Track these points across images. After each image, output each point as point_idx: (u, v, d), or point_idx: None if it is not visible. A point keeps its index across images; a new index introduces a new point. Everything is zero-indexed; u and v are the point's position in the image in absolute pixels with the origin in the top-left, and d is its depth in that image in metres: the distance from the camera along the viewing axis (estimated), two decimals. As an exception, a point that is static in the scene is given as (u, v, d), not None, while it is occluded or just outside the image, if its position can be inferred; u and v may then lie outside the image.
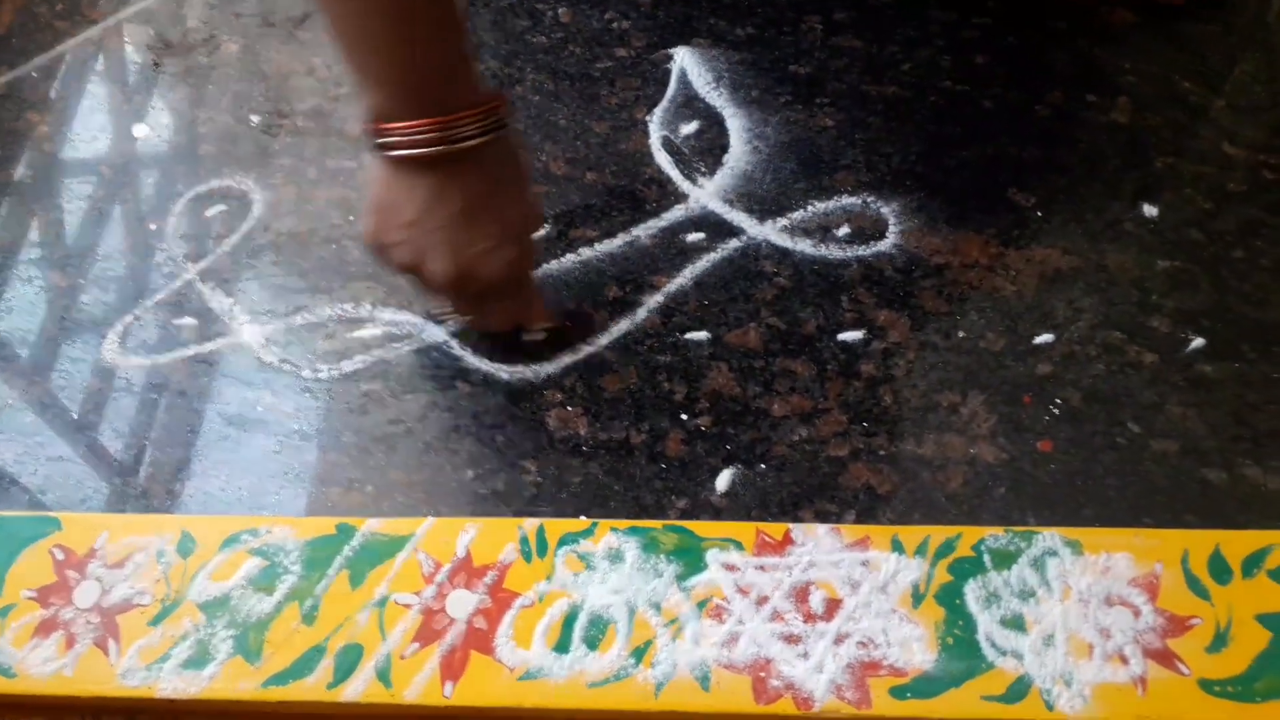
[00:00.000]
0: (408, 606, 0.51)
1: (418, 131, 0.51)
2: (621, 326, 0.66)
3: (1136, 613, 0.49)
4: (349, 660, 0.50)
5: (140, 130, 0.79)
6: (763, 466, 0.60)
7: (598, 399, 0.63)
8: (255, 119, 0.78)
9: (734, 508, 0.58)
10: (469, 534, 0.53)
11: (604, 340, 0.66)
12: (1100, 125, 0.73)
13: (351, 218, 0.72)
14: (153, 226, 0.73)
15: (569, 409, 0.63)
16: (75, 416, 0.65)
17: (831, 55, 0.78)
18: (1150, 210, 0.69)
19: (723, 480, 0.59)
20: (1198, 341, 0.63)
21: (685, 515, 0.58)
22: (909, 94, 0.76)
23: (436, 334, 0.66)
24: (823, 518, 0.57)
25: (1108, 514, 0.57)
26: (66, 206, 0.75)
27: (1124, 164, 0.71)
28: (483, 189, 0.54)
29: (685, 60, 0.79)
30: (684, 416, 0.62)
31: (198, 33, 0.85)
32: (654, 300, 0.67)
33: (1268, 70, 0.76)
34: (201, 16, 0.86)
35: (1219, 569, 0.51)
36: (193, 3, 0.87)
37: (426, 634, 0.51)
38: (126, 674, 0.51)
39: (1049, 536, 0.52)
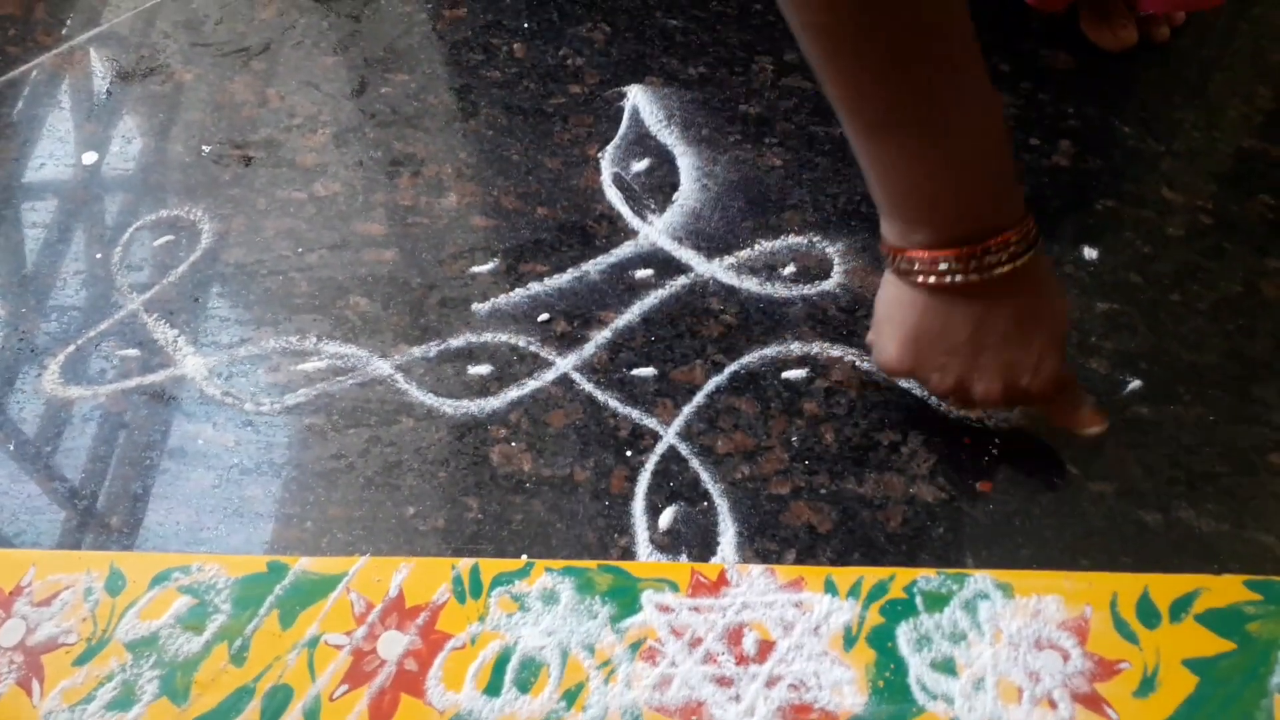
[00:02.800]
0: (338, 647, 0.51)
1: (954, 260, 0.48)
2: (569, 362, 0.66)
3: (1066, 656, 0.50)
4: (277, 702, 0.50)
5: (89, 158, 0.78)
6: (705, 504, 0.60)
7: (543, 435, 0.63)
8: (207, 149, 0.78)
9: (676, 545, 0.58)
10: (402, 573, 0.53)
11: (550, 376, 0.66)
12: (1042, 168, 0.75)
13: (300, 249, 0.72)
14: (99, 255, 0.73)
15: (513, 445, 0.63)
16: (12, 447, 0.64)
17: (781, 96, 0.79)
18: (1090, 253, 0.70)
19: (665, 518, 0.59)
20: (1135, 384, 0.64)
21: (626, 553, 0.58)
22: (857, 135, 0.76)
23: (381, 368, 0.66)
24: (763, 556, 0.57)
25: (1045, 555, 0.57)
26: (10, 234, 0.74)
27: (1065, 206, 0.72)
28: (1023, 309, 0.51)
29: (638, 98, 0.80)
30: (629, 453, 0.62)
31: (151, 60, 0.84)
32: (602, 336, 0.67)
33: (1206, 116, 0.78)
34: (156, 44, 0.85)
35: (1147, 612, 0.51)
36: (147, 30, 0.87)
37: (356, 676, 0.50)
38: (49, 716, 0.50)
39: (981, 579, 0.52)
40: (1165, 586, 0.52)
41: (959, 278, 0.48)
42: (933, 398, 0.63)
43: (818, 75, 0.46)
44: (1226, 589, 0.52)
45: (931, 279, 0.49)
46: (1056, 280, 0.54)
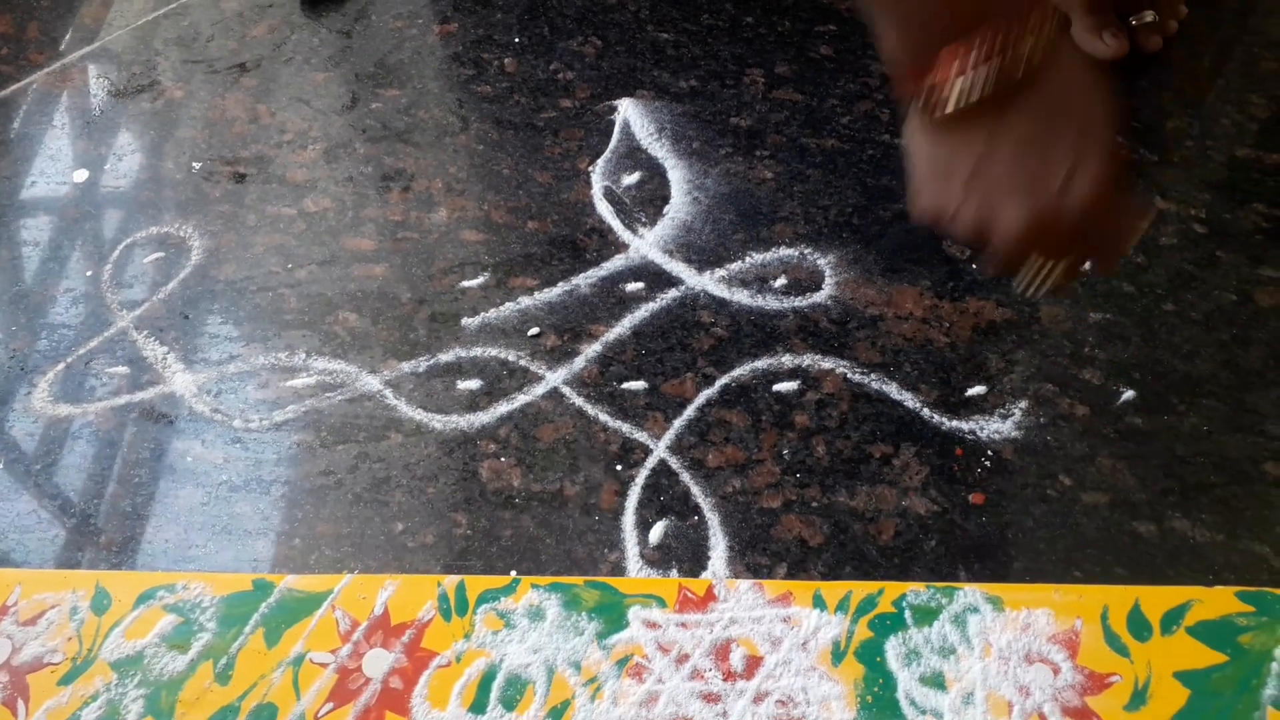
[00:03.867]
0: (323, 665, 0.50)
1: (976, 62, 0.42)
2: (559, 375, 0.66)
3: (1056, 670, 0.49)
4: (262, 720, 0.49)
5: (80, 175, 0.78)
6: (696, 518, 0.60)
7: (532, 450, 0.63)
8: (197, 165, 0.78)
9: (666, 560, 0.58)
10: (388, 590, 0.53)
11: (540, 390, 0.65)
12: (1034, 178, 0.74)
13: (290, 265, 0.72)
14: (89, 273, 0.73)
15: (502, 460, 0.62)
16: (1, 465, 0.63)
17: (772, 108, 0.79)
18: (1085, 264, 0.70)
19: (656, 533, 0.59)
20: (1128, 394, 0.63)
21: (616, 569, 0.57)
22: (847, 147, 0.76)
23: (370, 383, 0.66)
24: (754, 570, 0.57)
25: (1038, 567, 0.57)
26: (3, 252, 0.74)
27: (1057, 217, 0.72)
28: (1047, 103, 0.44)
29: (628, 112, 0.80)
30: (619, 468, 0.62)
31: (142, 78, 0.85)
32: (592, 349, 0.67)
33: (1199, 126, 0.77)
34: (147, 62, 0.86)
35: (1138, 625, 0.50)
36: (140, 48, 0.87)
37: (341, 694, 0.50)
38: (33, 736, 0.49)
39: (970, 592, 0.52)
40: (1157, 598, 0.52)
41: (981, 83, 0.42)
42: (924, 409, 0.62)
43: None
44: (1218, 601, 0.52)
45: (965, 95, 0.43)
46: (1089, 76, 0.45)
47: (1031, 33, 0.42)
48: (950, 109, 0.43)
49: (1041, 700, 0.48)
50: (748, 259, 0.71)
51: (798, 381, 0.65)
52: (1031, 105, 0.44)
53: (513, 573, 0.56)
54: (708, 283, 0.70)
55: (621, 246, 0.72)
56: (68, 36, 0.88)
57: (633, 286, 0.70)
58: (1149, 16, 0.80)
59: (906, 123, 0.48)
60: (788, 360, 0.66)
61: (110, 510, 0.61)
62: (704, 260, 0.71)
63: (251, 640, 0.51)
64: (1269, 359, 0.64)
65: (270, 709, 0.49)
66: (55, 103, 0.84)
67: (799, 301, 0.69)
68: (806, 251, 0.71)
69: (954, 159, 0.45)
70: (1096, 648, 0.50)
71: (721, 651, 0.50)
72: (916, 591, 0.52)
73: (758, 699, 0.49)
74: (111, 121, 0.82)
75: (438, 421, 0.64)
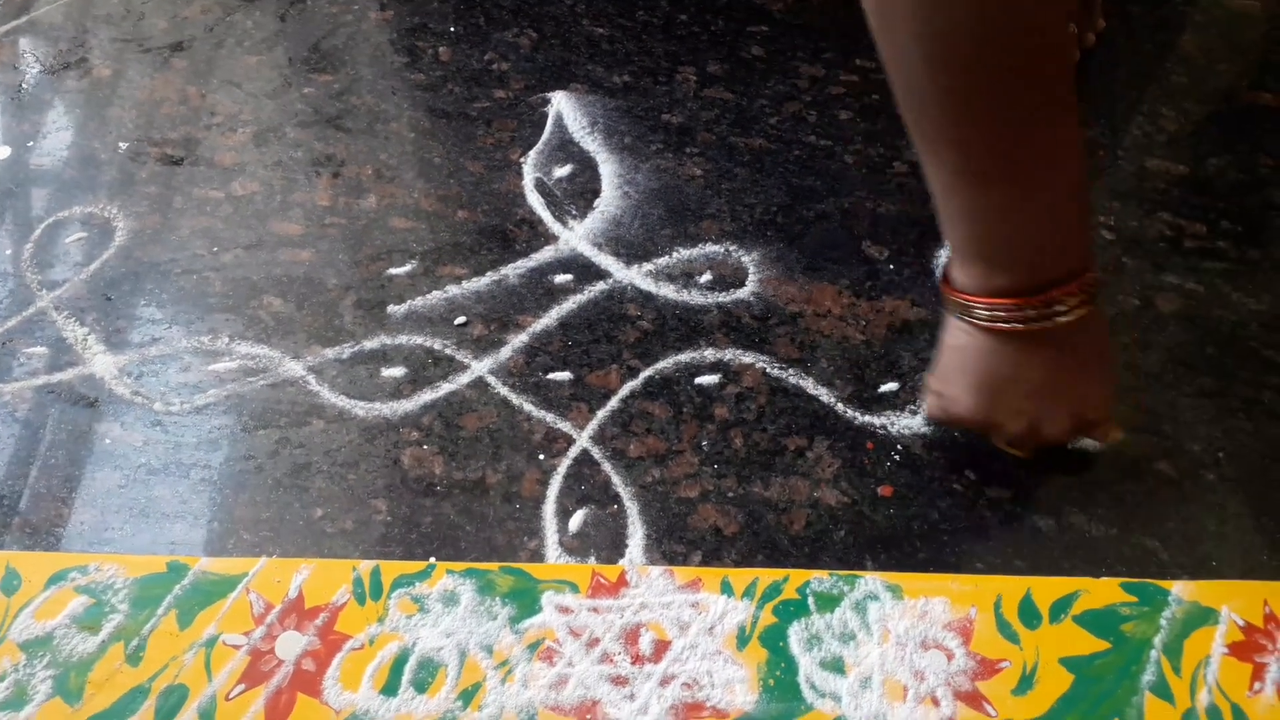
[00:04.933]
0: (236, 647, 0.51)
1: (1019, 308, 0.49)
2: (484, 365, 0.67)
3: (950, 656, 0.51)
4: (172, 702, 0.49)
5: (3, 152, 0.77)
6: (615, 507, 0.61)
7: (455, 438, 0.63)
8: (124, 145, 0.77)
9: (585, 548, 0.59)
10: (303, 574, 0.53)
11: (465, 379, 0.66)
12: (953, 183, 0.77)
13: (215, 249, 0.72)
14: (9, 251, 0.72)
15: (425, 448, 0.63)
16: (-91, 446, 0.63)
17: (703, 106, 0.81)
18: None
19: (575, 521, 0.60)
20: (1034, 393, 0.66)
21: (535, 556, 0.58)
22: (775, 146, 0.78)
23: (294, 369, 0.66)
24: (670, 558, 0.58)
25: (942, 558, 0.59)
26: (-83, 228, 0.73)
27: (974, 220, 0.74)
28: (1090, 347, 0.53)
29: (562, 105, 0.81)
30: (541, 457, 0.63)
31: (70, 55, 0.83)
32: (519, 339, 0.68)
33: (1110, 136, 0.80)
34: (75, 39, 0.84)
35: (1029, 613, 0.53)
36: (68, 24, 0.85)
37: (253, 675, 0.50)
38: (-63, 717, 0.49)
39: (871, 580, 0.54)
40: (1047, 589, 0.54)
41: (1037, 324, 0.49)
42: (839, 404, 0.64)
43: (919, 129, 0.46)
44: (1104, 591, 0.54)
45: (1009, 324, 0.50)
46: (1106, 331, 0.56)
47: (1080, 291, 0.49)
48: (1046, 326, 0.50)
49: (935, 684, 0.51)
50: (675, 254, 0.72)
51: (719, 375, 0.66)
52: (1088, 330, 0.51)
53: (432, 559, 0.57)
54: (635, 276, 0.71)
55: (551, 238, 0.73)
56: (1, 10, 0.87)
57: (561, 278, 0.71)
58: (1069, 29, 0.82)
59: (950, 326, 0.55)
60: (710, 354, 0.67)
61: (26, 491, 0.61)
62: (632, 254, 0.72)
63: (164, 622, 0.52)
64: (1167, 363, 0.67)
65: (181, 690, 0.50)
66: (-23, 77, 0.82)
67: (723, 297, 0.70)
68: (731, 248, 0.73)
69: (1019, 372, 0.52)
70: (989, 635, 0.52)
71: (631, 636, 0.52)
72: (820, 579, 0.54)
73: (664, 681, 0.50)
74: (37, 98, 0.81)
75: (360, 408, 0.64)
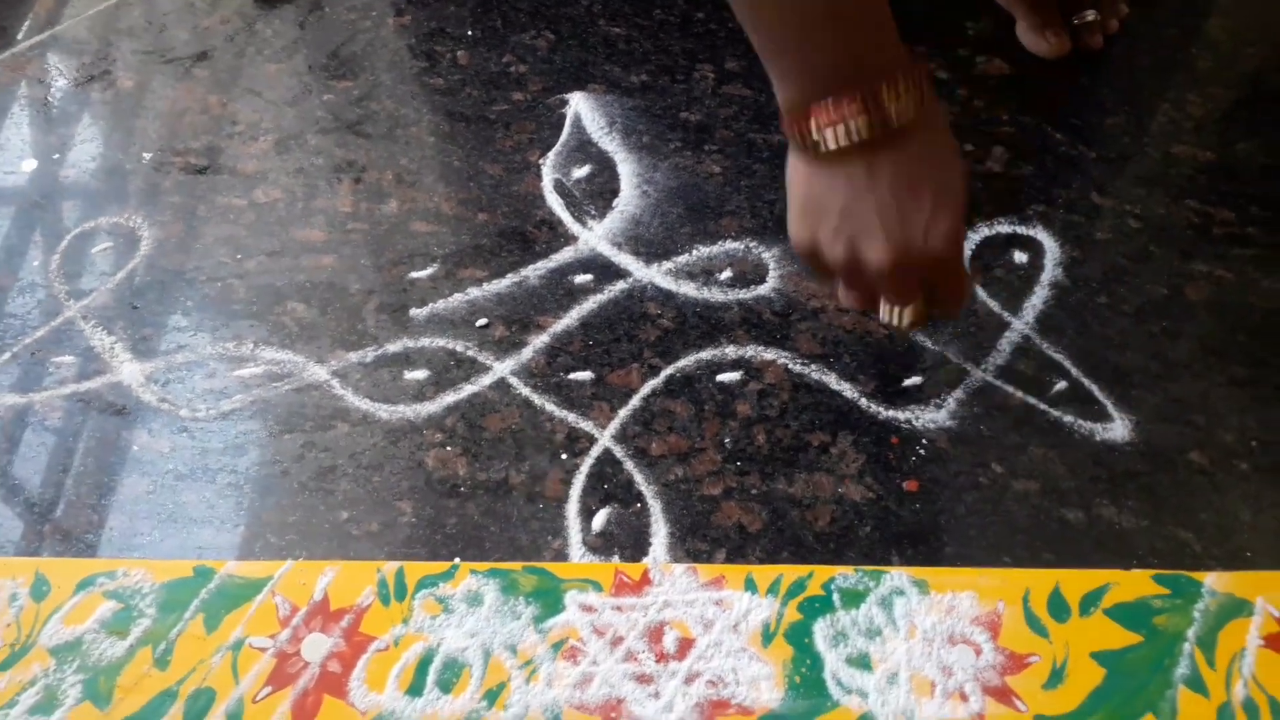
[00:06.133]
0: (262, 650, 0.51)
1: (846, 111, 0.48)
2: (506, 366, 0.67)
3: (978, 651, 0.51)
4: (200, 704, 0.50)
5: (29, 165, 0.78)
6: (638, 505, 0.61)
7: (478, 439, 0.64)
8: (147, 155, 0.78)
9: (608, 547, 0.59)
10: (328, 576, 0.53)
11: (487, 380, 0.66)
12: (976, 174, 0.76)
13: (239, 256, 0.72)
14: (36, 263, 0.73)
15: (448, 449, 0.63)
16: (-57, 455, 0.64)
17: (721, 104, 0.81)
18: (1020, 256, 0.71)
19: (599, 520, 0.60)
20: (1061, 384, 0.65)
21: (559, 555, 0.58)
22: (793, 141, 0.78)
23: (318, 373, 0.67)
24: (694, 556, 0.58)
25: (969, 552, 0.58)
26: (-51, 242, 0.74)
27: (997, 211, 0.74)
28: (914, 158, 0.50)
29: (580, 105, 0.81)
30: (564, 456, 0.63)
31: (94, 68, 0.84)
32: (540, 340, 0.68)
33: (1136, 123, 0.79)
34: (99, 52, 0.86)
35: (1058, 607, 0.52)
36: (90, 39, 0.87)
37: (280, 678, 0.50)
38: (-29, 722, 0.50)
39: (897, 576, 0.53)
40: (1076, 582, 0.54)
41: (854, 130, 0.48)
42: (862, 399, 0.64)
43: None
44: (1135, 583, 0.54)
45: (830, 138, 0.49)
46: (951, 138, 0.53)
47: (907, 90, 0.48)
48: (829, 146, 0.48)
49: (963, 680, 0.50)
50: (694, 252, 0.72)
51: (740, 372, 0.66)
52: (902, 154, 0.49)
53: (456, 559, 0.57)
54: (655, 275, 0.71)
55: (571, 239, 0.73)
56: (24, 26, 0.88)
57: (581, 278, 0.71)
58: (1090, 15, 0.82)
59: (787, 159, 0.51)
60: (731, 351, 0.67)
61: (55, 498, 0.61)
62: (652, 253, 0.72)
63: (191, 626, 0.52)
64: (1196, 351, 0.66)
65: (209, 693, 0.50)
66: (6, 92, 0.83)
67: (743, 294, 0.70)
68: (752, 245, 0.72)
69: (832, 192, 0.50)
70: (1017, 629, 0.51)
71: (655, 634, 0.52)
72: (845, 575, 0.53)
73: (689, 680, 0.50)
74: (62, 111, 0.82)
75: (384, 411, 0.65)
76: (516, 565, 0.54)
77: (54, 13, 0.90)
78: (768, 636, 0.51)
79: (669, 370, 0.66)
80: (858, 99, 0.47)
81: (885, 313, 0.56)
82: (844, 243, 0.52)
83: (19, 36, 0.87)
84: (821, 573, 0.53)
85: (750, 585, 0.53)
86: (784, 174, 0.75)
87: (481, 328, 0.68)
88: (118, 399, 0.66)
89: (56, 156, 0.79)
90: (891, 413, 0.64)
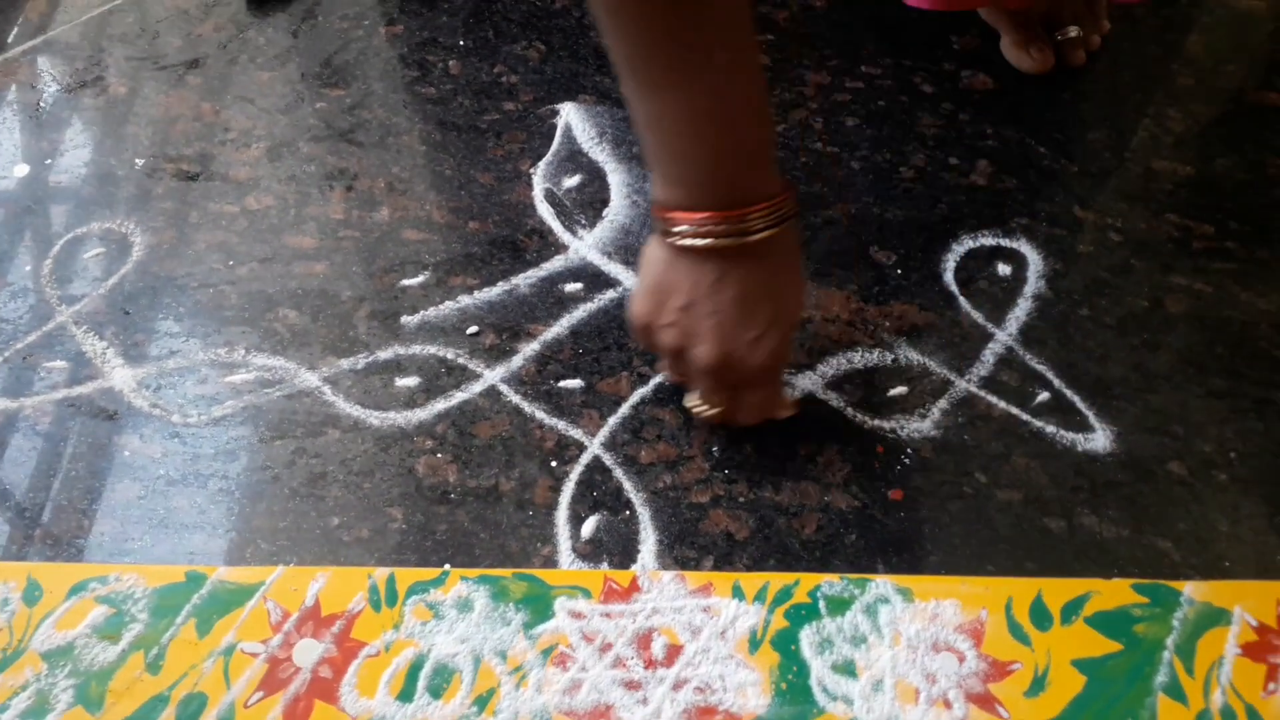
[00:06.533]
0: (254, 655, 0.52)
1: (709, 223, 0.51)
2: (497, 374, 0.67)
3: (961, 658, 0.52)
4: (192, 709, 0.50)
5: (21, 170, 0.78)
6: (627, 513, 0.61)
7: (469, 446, 0.64)
8: (140, 162, 0.79)
9: (597, 554, 0.59)
10: (319, 582, 0.54)
11: (477, 388, 0.67)
12: (960, 187, 0.77)
13: (231, 263, 0.73)
14: (28, 268, 0.73)
15: (439, 456, 0.64)
16: (-67, 460, 0.64)
17: (710, 114, 0.81)
18: (1004, 269, 0.72)
19: (588, 527, 0.61)
20: (1043, 395, 0.66)
21: (549, 562, 0.59)
22: (781, 154, 0.79)
23: (309, 380, 0.67)
24: (682, 563, 0.59)
25: (953, 560, 0.59)
26: (-61, 246, 0.74)
27: (981, 224, 0.75)
28: (760, 278, 0.54)
29: (570, 116, 0.81)
30: (554, 464, 0.63)
31: (86, 73, 0.85)
32: (530, 348, 0.69)
33: (1118, 138, 0.80)
34: (91, 58, 0.86)
35: (1040, 615, 0.53)
36: (82, 44, 0.87)
37: (271, 683, 0.51)
38: (-38, 726, 0.50)
39: (882, 584, 0.54)
40: (1058, 590, 0.54)
41: (711, 240, 0.51)
42: (848, 408, 0.65)
43: (604, 32, 0.50)
44: (1116, 592, 0.55)
45: (688, 240, 0.52)
46: (800, 268, 0.57)
47: (770, 215, 0.52)
48: (686, 244, 0.52)
49: (947, 687, 0.51)
50: (684, 262, 0.73)
51: (729, 381, 0.67)
52: (751, 271, 0.53)
53: (446, 566, 0.57)
54: (644, 284, 0.72)
55: (561, 248, 0.74)
56: (14, 30, 0.88)
57: (571, 287, 0.72)
58: (1073, 32, 0.83)
59: (649, 239, 0.56)
60: (720, 360, 0.68)
61: (47, 504, 0.62)
62: (641, 262, 0.73)
63: (183, 631, 0.52)
64: (1176, 363, 0.67)
65: (200, 698, 0.50)
66: (-3, 97, 0.83)
67: (732, 303, 0.71)
68: (740, 255, 0.73)
69: (679, 285, 0.54)
70: (1000, 637, 0.52)
71: (643, 640, 0.52)
72: (831, 582, 0.54)
73: (677, 686, 0.51)
74: (54, 117, 0.82)
75: (375, 418, 0.65)
76: (506, 572, 0.55)
77: (45, 17, 0.90)
78: (755, 643, 0.52)
79: (658, 378, 0.67)
80: (722, 216, 0.51)
81: (691, 399, 0.62)
82: (677, 333, 0.55)
83: (9, 41, 0.87)
84: (808, 580, 0.54)
85: (738, 592, 0.54)
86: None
87: (472, 335, 0.69)
88: (109, 404, 0.66)
89: (48, 162, 0.79)
90: (877, 422, 0.65)
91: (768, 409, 0.61)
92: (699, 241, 0.52)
